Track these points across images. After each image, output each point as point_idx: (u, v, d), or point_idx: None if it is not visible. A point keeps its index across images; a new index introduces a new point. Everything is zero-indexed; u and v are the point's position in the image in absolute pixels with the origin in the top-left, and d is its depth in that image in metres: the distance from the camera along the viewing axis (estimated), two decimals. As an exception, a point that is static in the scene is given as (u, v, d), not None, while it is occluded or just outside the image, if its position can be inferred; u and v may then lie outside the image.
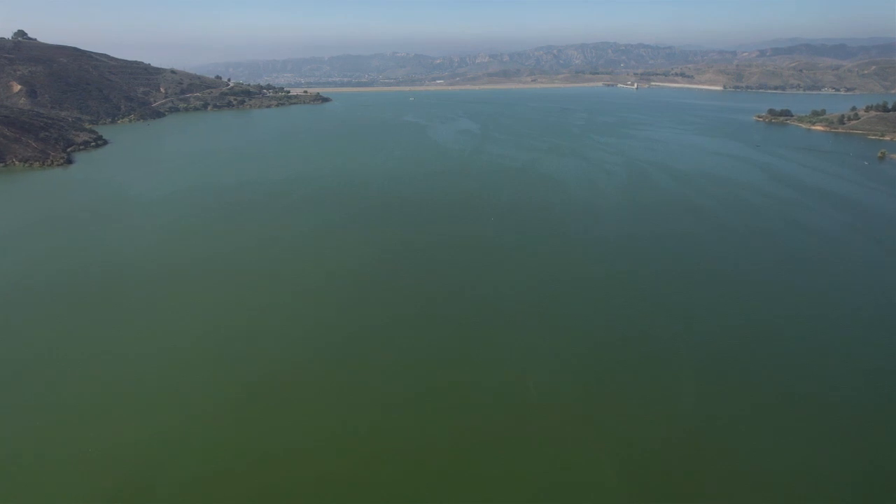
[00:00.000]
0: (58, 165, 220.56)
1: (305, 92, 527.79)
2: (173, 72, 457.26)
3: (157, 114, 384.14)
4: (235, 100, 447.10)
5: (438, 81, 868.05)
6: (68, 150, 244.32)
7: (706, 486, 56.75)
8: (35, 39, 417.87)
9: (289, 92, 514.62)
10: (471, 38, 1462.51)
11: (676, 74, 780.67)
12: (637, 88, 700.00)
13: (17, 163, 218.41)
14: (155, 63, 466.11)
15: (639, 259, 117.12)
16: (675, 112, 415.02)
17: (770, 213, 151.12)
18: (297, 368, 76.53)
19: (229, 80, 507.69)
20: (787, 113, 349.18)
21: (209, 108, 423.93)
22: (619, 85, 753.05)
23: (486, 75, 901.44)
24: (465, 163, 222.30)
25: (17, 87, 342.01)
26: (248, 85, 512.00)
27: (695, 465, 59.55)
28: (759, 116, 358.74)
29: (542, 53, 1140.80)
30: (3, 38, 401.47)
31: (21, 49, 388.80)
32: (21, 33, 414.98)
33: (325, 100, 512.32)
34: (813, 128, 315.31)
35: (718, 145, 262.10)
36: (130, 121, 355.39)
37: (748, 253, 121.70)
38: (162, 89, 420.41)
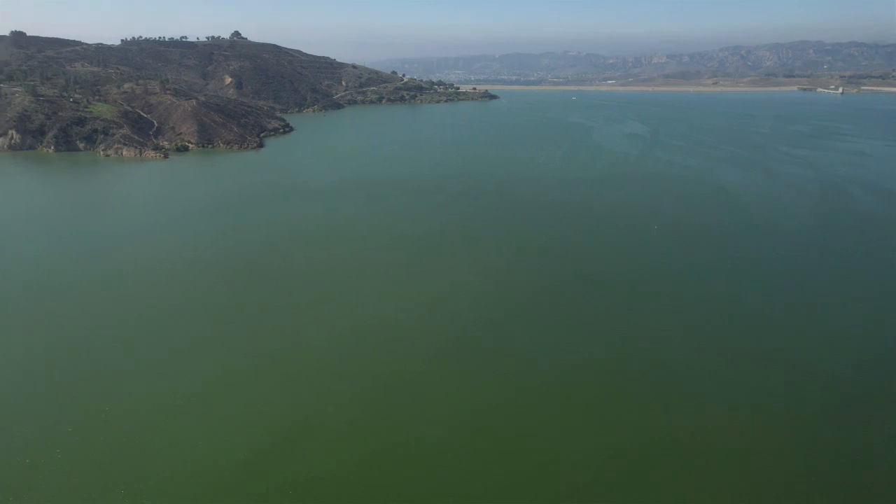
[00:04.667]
0: (252, 149, 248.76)
1: (474, 89, 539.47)
2: (354, 67, 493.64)
3: (337, 105, 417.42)
4: (408, 94, 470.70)
5: (609, 82, 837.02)
6: (261, 135, 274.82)
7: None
8: (246, 38, 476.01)
9: (458, 88, 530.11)
10: (648, 38, 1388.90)
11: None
12: (842, 93, 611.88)
13: (221, 145, 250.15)
14: (339, 58, 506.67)
15: (835, 290, 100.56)
16: (893, 121, 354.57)
17: None
18: (429, 362, 76.69)
19: (403, 75, 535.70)
20: None
21: (383, 101, 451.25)
22: (819, 89, 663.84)
23: (662, 77, 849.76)
24: (629, 168, 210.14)
25: (228, 80, 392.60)
26: (420, 81, 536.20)
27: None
28: None
29: (728, 54, 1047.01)
30: (222, 38, 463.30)
31: (234, 47, 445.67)
32: (236, 34, 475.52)
33: (493, 97, 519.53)
34: None
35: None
36: (314, 111, 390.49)
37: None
38: (343, 83, 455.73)
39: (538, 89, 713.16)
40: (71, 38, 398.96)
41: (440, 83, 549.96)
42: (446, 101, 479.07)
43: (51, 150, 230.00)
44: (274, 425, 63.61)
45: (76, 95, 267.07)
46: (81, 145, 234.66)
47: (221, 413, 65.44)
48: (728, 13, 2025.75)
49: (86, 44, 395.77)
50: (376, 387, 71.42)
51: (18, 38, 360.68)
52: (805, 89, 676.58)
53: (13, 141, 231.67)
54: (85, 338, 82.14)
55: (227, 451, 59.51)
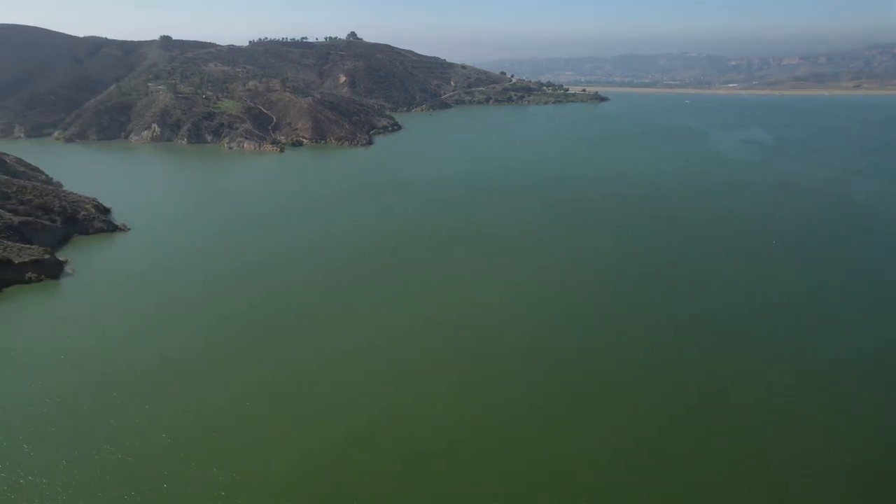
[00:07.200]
0: (361, 146, 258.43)
1: (584, 91, 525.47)
2: (464, 67, 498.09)
3: (445, 105, 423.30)
4: (515, 95, 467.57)
5: (731, 85, 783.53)
6: (371, 132, 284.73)
7: None
8: (361, 39, 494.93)
9: (567, 90, 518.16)
10: (777, 37, 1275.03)
11: None
12: None
13: (333, 141, 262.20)
14: (450, 59, 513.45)
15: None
16: None
17: None
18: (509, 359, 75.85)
19: (512, 76, 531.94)
20: None
21: (490, 101, 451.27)
22: None
23: (793, 79, 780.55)
24: (747, 177, 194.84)
25: (343, 79, 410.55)
26: (529, 81, 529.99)
27: None
28: None
29: (877, 53, 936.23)
30: (339, 38, 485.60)
31: (350, 47, 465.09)
32: (352, 34, 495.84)
33: (603, 99, 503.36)
34: None
35: None
36: (422, 110, 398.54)
37: None
38: (452, 83, 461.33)
39: (651, 92, 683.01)
40: (207, 41, 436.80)
41: (549, 84, 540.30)
42: (554, 102, 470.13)
43: (184, 142, 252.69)
44: (342, 423, 65.27)
45: (208, 93, 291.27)
46: (209, 138, 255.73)
47: (308, 403, 68.64)
48: (879, 5, 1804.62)
49: (220, 45, 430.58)
50: (452, 381, 72.53)
51: (165, 41, 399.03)
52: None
53: (155, 133, 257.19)
54: (178, 334, 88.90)
55: (311, 439, 62.62)
